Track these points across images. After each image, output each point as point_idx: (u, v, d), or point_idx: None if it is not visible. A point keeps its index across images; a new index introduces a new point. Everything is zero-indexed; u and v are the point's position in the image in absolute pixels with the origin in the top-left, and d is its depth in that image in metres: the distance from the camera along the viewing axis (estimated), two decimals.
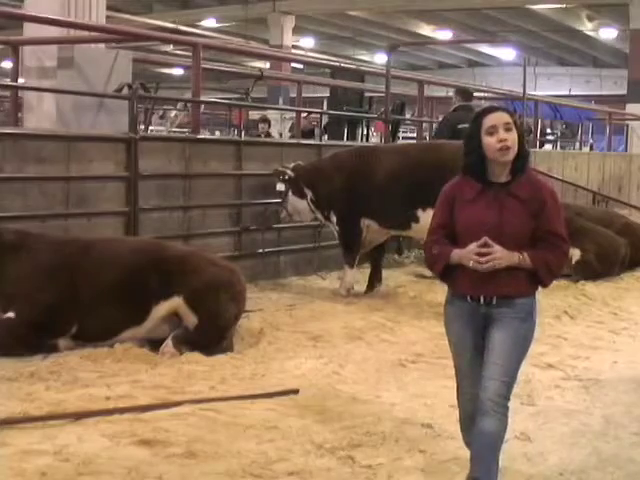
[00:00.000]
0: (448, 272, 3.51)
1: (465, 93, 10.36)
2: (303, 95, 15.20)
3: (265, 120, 16.06)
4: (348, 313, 7.30)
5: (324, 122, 13.47)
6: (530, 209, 3.42)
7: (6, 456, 3.76)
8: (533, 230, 3.43)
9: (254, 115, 18.05)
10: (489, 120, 3.44)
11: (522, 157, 3.47)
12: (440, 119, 10.99)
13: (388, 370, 5.61)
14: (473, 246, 3.37)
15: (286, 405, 4.73)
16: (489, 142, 3.41)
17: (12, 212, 6.36)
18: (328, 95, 15.66)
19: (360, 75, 14.81)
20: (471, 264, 3.37)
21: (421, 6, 26.18)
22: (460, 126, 9.37)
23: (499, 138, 3.39)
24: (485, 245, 3.35)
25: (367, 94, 13.78)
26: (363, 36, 31.36)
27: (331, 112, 13.68)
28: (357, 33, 31.06)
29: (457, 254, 3.44)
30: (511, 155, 3.41)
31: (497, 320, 3.46)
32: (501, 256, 3.35)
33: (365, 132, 12.85)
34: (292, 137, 14.49)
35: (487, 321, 3.49)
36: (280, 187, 8.42)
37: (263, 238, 8.67)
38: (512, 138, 3.40)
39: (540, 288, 3.57)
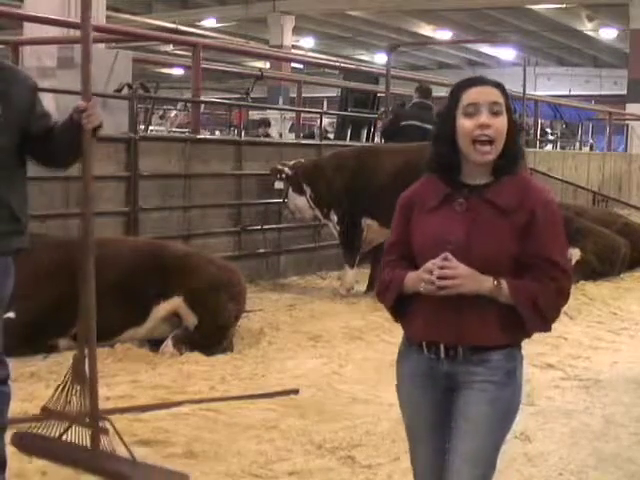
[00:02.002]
0: (402, 307, 2.52)
1: (423, 90, 9.75)
2: (303, 95, 15.22)
3: (264, 122, 16.09)
4: (348, 313, 7.30)
5: (325, 123, 13.50)
6: (514, 225, 2.40)
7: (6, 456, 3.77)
8: (517, 255, 2.41)
9: (254, 115, 18.07)
10: (470, 95, 2.42)
11: (510, 154, 2.45)
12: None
13: (388, 370, 5.58)
14: (430, 264, 2.37)
15: (286, 405, 4.73)
16: (465, 126, 2.40)
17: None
18: (335, 95, 15.66)
19: (374, 77, 14.78)
20: (422, 287, 2.38)
21: (421, 6, 26.18)
22: (404, 123, 9.18)
23: (480, 122, 2.38)
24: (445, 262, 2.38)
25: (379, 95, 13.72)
26: (363, 36, 31.36)
27: (331, 112, 13.69)
28: (357, 33, 31.06)
29: (411, 278, 2.45)
30: (493, 153, 2.41)
31: (465, 384, 2.44)
32: (465, 274, 2.34)
33: (371, 133, 12.81)
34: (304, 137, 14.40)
35: (451, 384, 2.47)
36: (278, 185, 8.44)
37: (264, 238, 8.67)
38: (499, 126, 2.40)
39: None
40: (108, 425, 3.47)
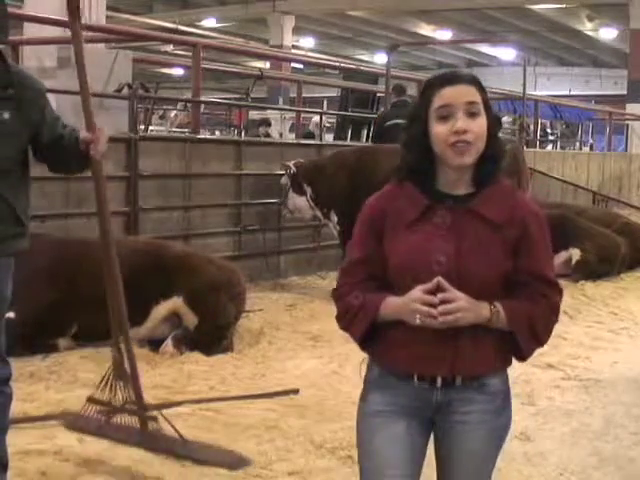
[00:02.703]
0: (373, 334, 2.23)
1: (398, 90, 9.99)
2: (303, 95, 15.23)
3: (265, 121, 16.09)
4: None
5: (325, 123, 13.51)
6: (505, 240, 2.17)
7: None
8: (509, 272, 2.19)
9: (254, 115, 18.07)
10: (443, 96, 2.16)
11: (492, 158, 2.21)
12: None
13: None
14: (418, 292, 2.11)
15: (286, 405, 4.73)
16: (439, 132, 2.15)
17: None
18: (335, 95, 15.69)
19: (374, 77, 14.79)
20: (418, 320, 2.10)
21: (421, 6, 26.19)
22: (388, 123, 9.26)
23: (455, 128, 2.12)
24: (439, 290, 2.10)
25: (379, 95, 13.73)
26: (363, 36, 31.37)
27: (331, 112, 13.69)
28: (357, 33, 31.08)
29: (392, 305, 2.16)
30: (473, 156, 2.15)
31: (459, 414, 2.22)
32: (467, 306, 2.11)
33: (371, 133, 12.84)
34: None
35: (440, 413, 2.24)
36: (285, 180, 8.43)
37: (263, 238, 8.67)
38: (477, 129, 2.14)
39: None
40: (156, 414, 3.71)
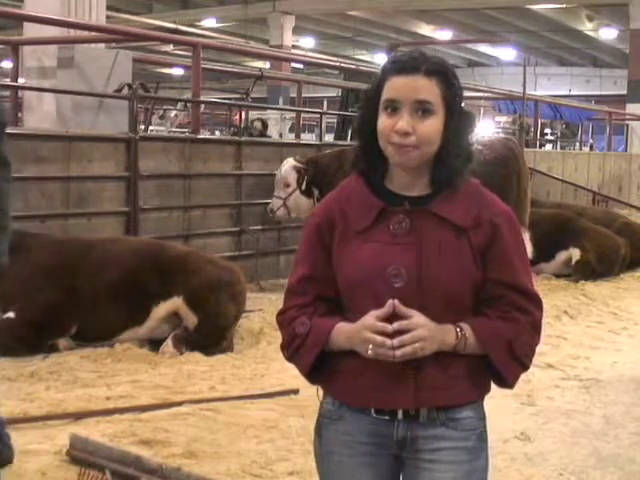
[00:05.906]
0: (324, 364, 1.92)
1: None
2: (303, 95, 15.24)
3: (260, 120, 16.08)
4: None
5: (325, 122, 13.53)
6: (473, 245, 1.87)
7: None
8: (479, 284, 1.89)
9: (254, 115, 18.08)
10: (392, 86, 1.84)
11: (450, 163, 1.87)
12: None
13: None
14: (371, 318, 1.81)
15: (286, 405, 4.73)
16: (380, 125, 1.85)
17: (12, 212, 6.36)
18: (335, 95, 15.72)
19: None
20: (370, 351, 1.81)
21: (421, 6, 26.20)
22: None
23: (398, 127, 1.82)
24: (395, 316, 1.80)
25: None
26: (363, 36, 31.37)
27: (331, 112, 13.71)
28: (357, 33, 31.08)
29: (344, 333, 1.86)
30: (415, 160, 1.85)
31: (427, 453, 1.89)
32: (426, 335, 1.80)
33: None
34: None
35: (405, 453, 1.91)
36: (292, 178, 8.34)
37: (257, 238, 8.65)
38: (425, 132, 1.82)
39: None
40: None
